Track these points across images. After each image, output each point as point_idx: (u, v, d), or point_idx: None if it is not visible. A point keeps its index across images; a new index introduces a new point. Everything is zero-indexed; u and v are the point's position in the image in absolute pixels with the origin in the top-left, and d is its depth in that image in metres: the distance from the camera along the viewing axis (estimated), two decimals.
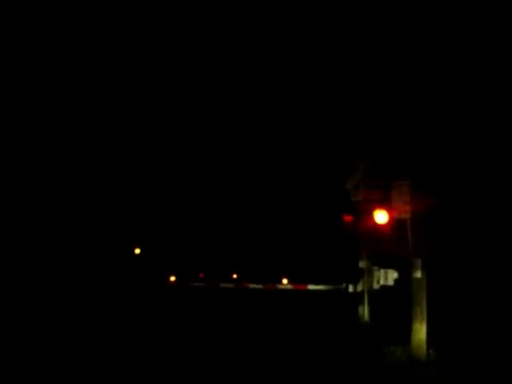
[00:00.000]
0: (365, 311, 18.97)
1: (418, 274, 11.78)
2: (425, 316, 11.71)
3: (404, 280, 13.90)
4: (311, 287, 28.60)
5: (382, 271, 17.11)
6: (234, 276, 34.03)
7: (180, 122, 28.86)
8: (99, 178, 29.52)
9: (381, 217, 12.66)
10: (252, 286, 30.56)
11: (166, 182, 33.75)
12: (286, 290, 29.63)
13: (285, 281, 32.10)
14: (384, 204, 12.74)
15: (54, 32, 21.96)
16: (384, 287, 17.21)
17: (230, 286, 31.80)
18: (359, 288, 19.78)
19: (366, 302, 18.89)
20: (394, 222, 12.85)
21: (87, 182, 29.00)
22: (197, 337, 15.24)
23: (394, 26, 13.88)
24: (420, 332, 11.68)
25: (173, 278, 33.47)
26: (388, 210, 12.49)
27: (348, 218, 19.12)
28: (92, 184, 29.43)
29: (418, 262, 11.81)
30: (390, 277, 16.83)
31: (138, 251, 33.84)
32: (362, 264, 18.89)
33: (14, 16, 21.03)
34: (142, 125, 28.48)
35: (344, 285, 24.41)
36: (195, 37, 22.47)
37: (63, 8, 20.99)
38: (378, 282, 17.33)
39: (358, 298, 19.92)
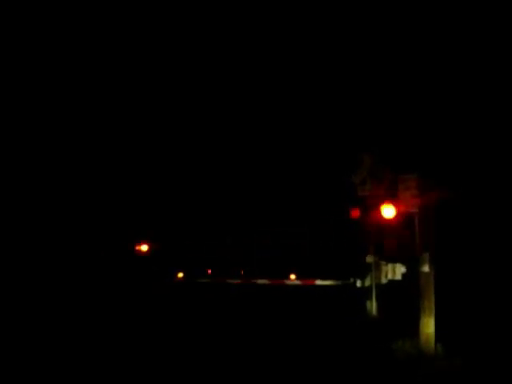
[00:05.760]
0: (373, 306, 18.96)
1: (426, 268, 11.76)
2: (433, 310, 11.69)
3: (412, 274, 13.86)
4: (319, 282, 28.58)
5: (390, 265, 17.05)
6: (242, 273, 34.10)
7: (182, 120, 28.86)
8: (105, 175, 29.56)
9: (388, 211, 12.64)
10: (260, 281, 30.58)
11: (172, 180, 33.79)
12: (293, 286, 29.65)
13: (293, 276, 32.08)
14: (391, 198, 12.72)
15: (54, 32, 21.97)
16: (392, 281, 17.17)
17: (238, 281, 31.85)
18: (367, 283, 19.76)
19: (373, 297, 18.88)
20: (402, 216, 12.82)
21: (93, 179, 29.05)
22: (206, 329, 15.29)
23: (401, 16, 13.83)
24: (428, 326, 11.66)
25: (180, 275, 33.56)
26: (395, 205, 12.46)
27: (355, 213, 19.08)
28: (99, 181, 29.47)
29: (426, 256, 11.78)
30: (397, 271, 16.77)
31: (145, 248, 33.93)
32: (369, 259, 18.88)
33: (14, 16, 21.06)
34: (144, 125, 28.50)
35: (352, 280, 24.38)
36: (195, 37, 22.45)
37: (63, 8, 21.01)
38: (386, 276, 17.28)
39: (365, 292, 19.91)
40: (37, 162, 26.15)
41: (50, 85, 24.27)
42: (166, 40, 22.70)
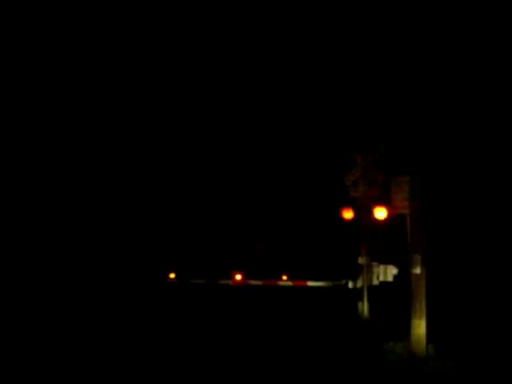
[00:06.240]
0: (364, 307, 18.99)
1: (418, 270, 11.79)
2: (424, 312, 11.73)
3: (403, 276, 13.91)
4: (311, 283, 28.62)
5: (382, 267, 17.11)
6: (237, 275, 34.10)
7: (177, 120, 28.87)
8: (98, 176, 29.55)
9: (380, 213, 12.69)
10: (253, 282, 30.60)
11: (165, 180, 33.78)
12: (285, 287, 29.68)
13: (284, 277, 32.15)
14: (383, 200, 12.77)
15: (54, 31, 21.95)
16: (383, 283, 17.22)
17: (231, 282, 31.85)
18: (359, 284, 19.79)
19: (365, 298, 18.91)
20: (394, 218, 12.87)
21: (86, 180, 29.02)
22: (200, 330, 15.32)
23: (394, 22, 13.88)
24: (419, 328, 11.70)
25: (172, 276, 33.51)
26: (387, 206, 12.51)
27: (347, 215, 19.11)
28: (91, 182, 29.45)
29: (418, 257, 11.81)
30: (389, 273, 16.83)
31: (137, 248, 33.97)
32: (361, 260, 18.91)
33: (14, 16, 21.03)
34: (142, 125, 28.52)
35: (343, 281, 24.43)
36: (195, 37, 22.45)
37: (63, 8, 20.99)
38: (378, 278, 17.33)
39: (357, 294, 19.94)
40: (37, 163, 26.16)
41: (50, 85, 24.25)
42: (166, 40, 22.72)
